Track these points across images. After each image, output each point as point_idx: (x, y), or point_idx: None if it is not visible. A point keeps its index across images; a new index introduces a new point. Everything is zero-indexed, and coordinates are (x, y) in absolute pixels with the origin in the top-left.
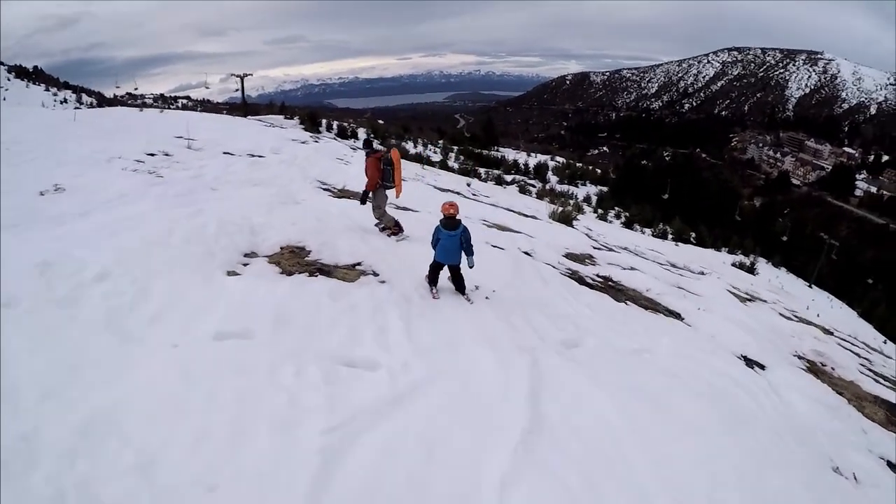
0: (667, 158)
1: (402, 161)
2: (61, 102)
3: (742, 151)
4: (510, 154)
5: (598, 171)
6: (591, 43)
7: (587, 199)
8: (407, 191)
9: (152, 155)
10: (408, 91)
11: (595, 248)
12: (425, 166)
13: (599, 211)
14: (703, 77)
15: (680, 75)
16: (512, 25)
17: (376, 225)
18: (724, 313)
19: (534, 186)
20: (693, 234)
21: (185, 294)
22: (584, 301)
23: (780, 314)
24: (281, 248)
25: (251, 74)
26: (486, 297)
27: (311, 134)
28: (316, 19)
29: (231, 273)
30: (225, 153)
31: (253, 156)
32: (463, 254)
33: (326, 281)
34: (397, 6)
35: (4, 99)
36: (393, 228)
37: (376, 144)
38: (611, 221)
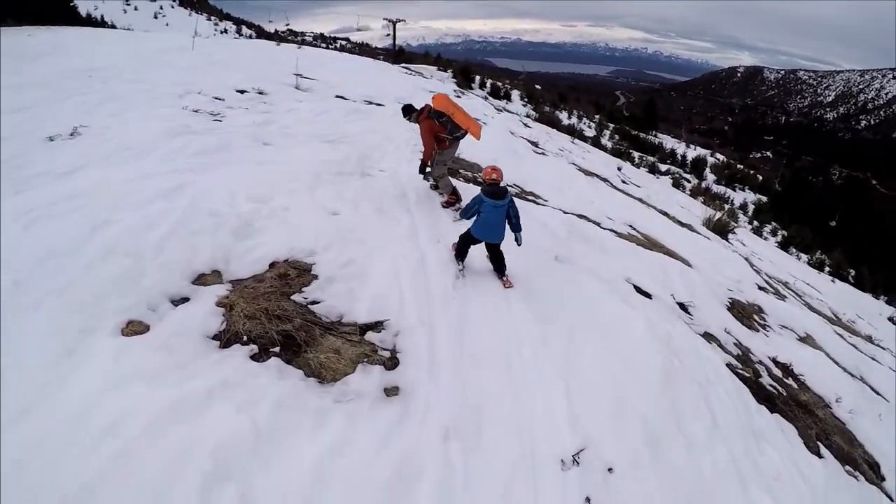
0: (835, 179)
1: (552, 131)
2: (221, 32)
3: None
4: (668, 142)
5: (760, 177)
6: (766, 36)
7: (743, 207)
8: (544, 169)
9: (242, 92)
10: (570, 60)
11: (759, 286)
12: (576, 140)
13: (755, 223)
14: (887, 94)
15: (861, 87)
16: (684, 5)
17: (431, 186)
18: None
19: (688, 181)
20: (852, 273)
21: None
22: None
23: None
24: (269, 267)
25: (404, 21)
26: (588, 500)
27: (458, 88)
28: None
29: (129, 329)
30: (337, 97)
31: (370, 103)
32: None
33: (273, 382)
34: None
35: (167, 24)
36: (449, 197)
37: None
38: (766, 238)
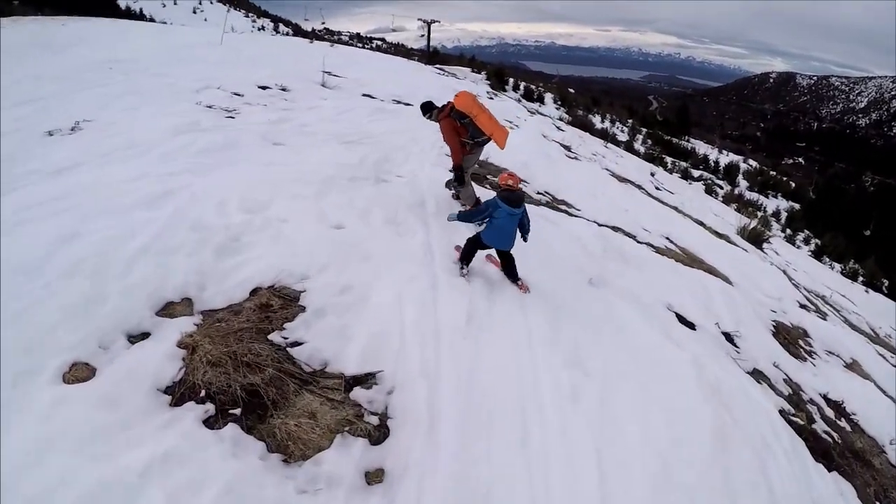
0: (867, 186)
1: (585, 135)
2: (259, 29)
3: None
4: (700, 147)
5: (793, 184)
6: (799, 41)
7: (776, 214)
8: (577, 175)
9: (264, 88)
10: (603, 64)
11: (801, 304)
12: (608, 144)
13: (787, 231)
14: None
15: (893, 94)
16: (717, 10)
17: (453, 196)
18: None
19: (721, 188)
20: (885, 283)
21: None
22: None
23: None
24: (250, 294)
25: (439, 22)
26: None
27: (490, 90)
28: None
29: (72, 373)
30: (364, 95)
31: (399, 102)
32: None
33: (226, 458)
34: None
35: (205, 20)
36: (472, 208)
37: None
38: (799, 247)
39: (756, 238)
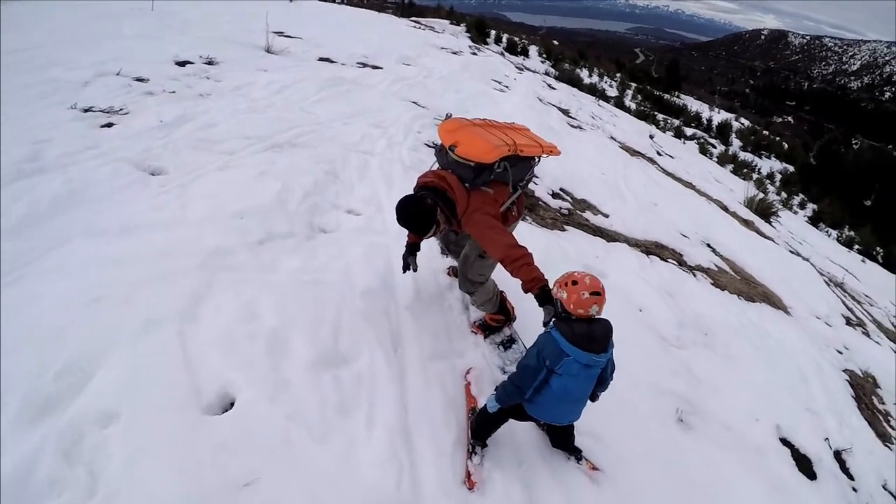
0: (856, 149)
1: (577, 92)
2: None
3: None
4: (692, 104)
5: (785, 144)
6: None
7: (770, 177)
8: (587, 154)
9: (183, 65)
10: (588, 15)
11: (846, 319)
12: (600, 102)
13: (783, 195)
14: None
15: (887, 59)
16: None
17: (473, 302)
18: None
19: (714, 147)
20: (881, 252)
21: None
22: None
23: None
24: None
25: None
26: None
27: (472, 44)
28: None
29: None
30: (321, 59)
31: (365, 65)
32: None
33: None
34: None
35: None
36: (491, 317)
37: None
38: (795, 212)
39: (765, 212)
